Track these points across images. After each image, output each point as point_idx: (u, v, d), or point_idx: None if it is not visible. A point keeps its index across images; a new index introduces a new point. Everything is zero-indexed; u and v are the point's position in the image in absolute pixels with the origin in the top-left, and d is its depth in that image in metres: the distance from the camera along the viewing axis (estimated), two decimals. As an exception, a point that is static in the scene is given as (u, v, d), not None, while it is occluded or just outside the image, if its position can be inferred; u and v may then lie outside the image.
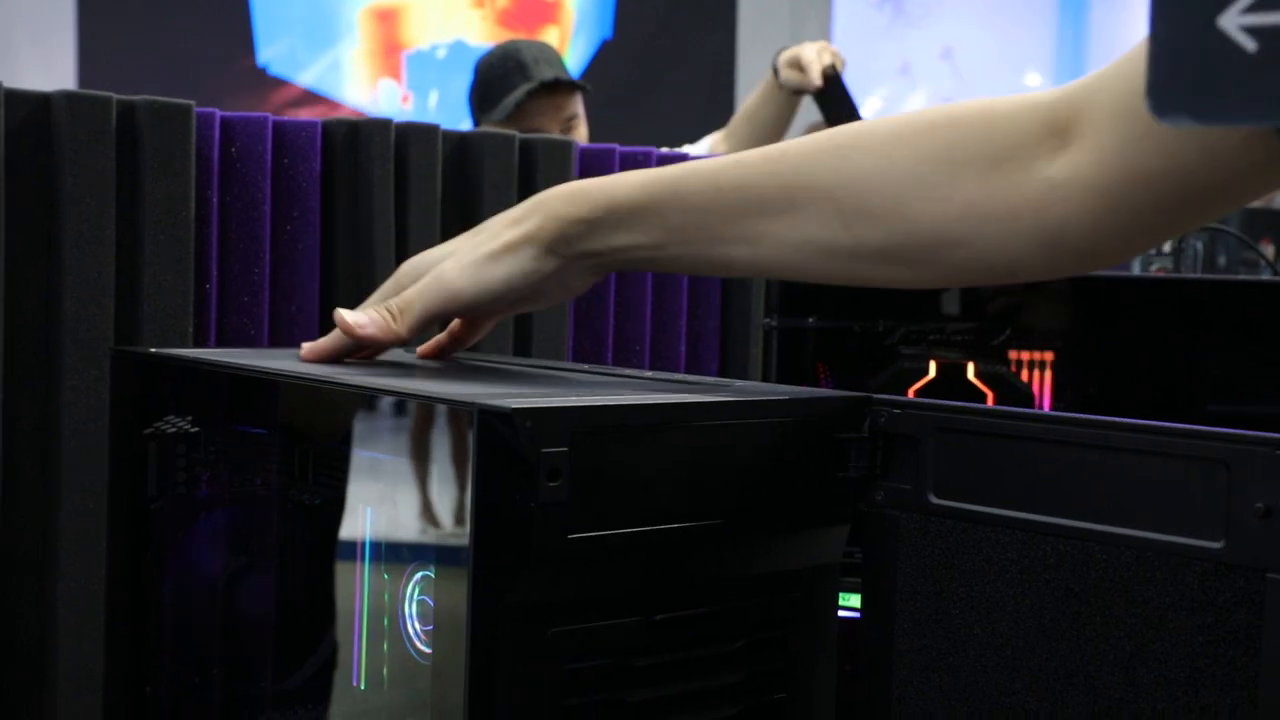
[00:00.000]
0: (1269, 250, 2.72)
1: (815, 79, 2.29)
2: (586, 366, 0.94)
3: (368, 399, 0.77)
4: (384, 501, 0.81)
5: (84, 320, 1.02)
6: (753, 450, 0.71)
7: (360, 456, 0.81)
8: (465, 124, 2.48)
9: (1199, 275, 1.28)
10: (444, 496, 0.73)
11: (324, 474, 0.84)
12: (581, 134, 2.43)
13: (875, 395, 0.75)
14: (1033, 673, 0.68)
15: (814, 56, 2.30)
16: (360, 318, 0.83)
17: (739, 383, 0.80)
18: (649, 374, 0.86)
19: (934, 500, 0.72)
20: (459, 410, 0.65)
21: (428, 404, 0.68)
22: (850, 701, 0.75)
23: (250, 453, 0.90)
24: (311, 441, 0.85)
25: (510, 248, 0.82)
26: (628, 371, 0.88)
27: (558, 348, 1.26)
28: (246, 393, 0.89)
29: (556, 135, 2.23)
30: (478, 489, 0.62)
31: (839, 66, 2.32)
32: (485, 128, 2.30)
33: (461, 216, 1.23)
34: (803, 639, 0.75)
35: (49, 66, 4.80)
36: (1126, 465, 0.65)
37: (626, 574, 0.67)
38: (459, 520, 0.72)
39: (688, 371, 1.39)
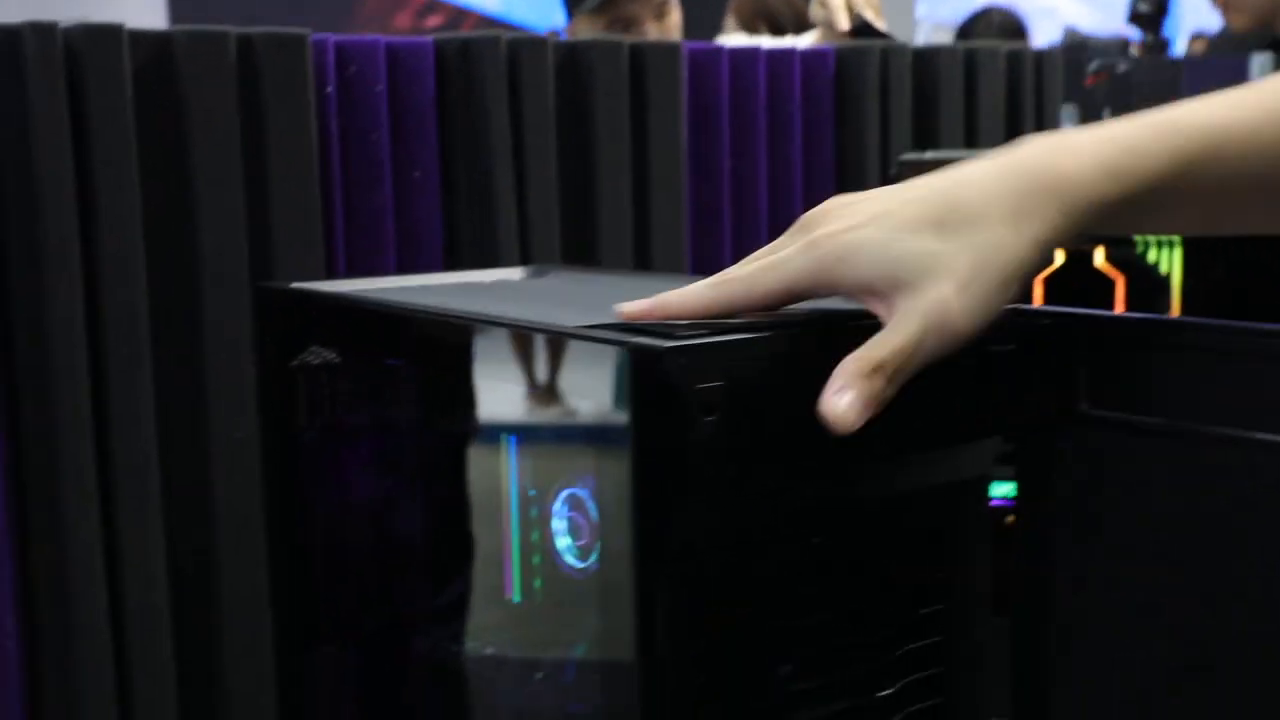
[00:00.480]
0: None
1: (841, 22, 2.10)
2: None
3: (513, 333, 0.78)
4: (528, 428, 0.82)
5: (220, 255, 1.04)
6: (902, 370, 0.70)
7: (503, 388, 0.82)
8: (558, 15, 2.45)
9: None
10: (591, 422, 0.74)
11: (465, 404, 0.86)
12: (675, 18, 2.39)
13: (1022, 306, 0.74)
14: (1198, 584, 0.68)
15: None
16: (844, 407, 0.63)
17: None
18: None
19: (1088, 410, 0.71)
20: (611, 346, 0.65)
21: (579, 339, 0.69)
22: (1008, 613, 0.75)
23: (393, 383, 0.91)
24: (453, 373, 0.86)
25: (1025, 263, 0.65)
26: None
27: (676, 260, 1.26)
28: (388, 326, 0.90)
29: (660, 38, 2.22)
30: (636, 426, 0.63)
31: (870, 13, 2.14)
32: (579, 18, 2.28)
33: (575, 127, 1.23)
34: (957, 552, 0.75)
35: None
36: (1292, 373, 0.64)
37: (782, 501, 0.68)
38: (607, 441, 0.72)
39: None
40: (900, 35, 2.19)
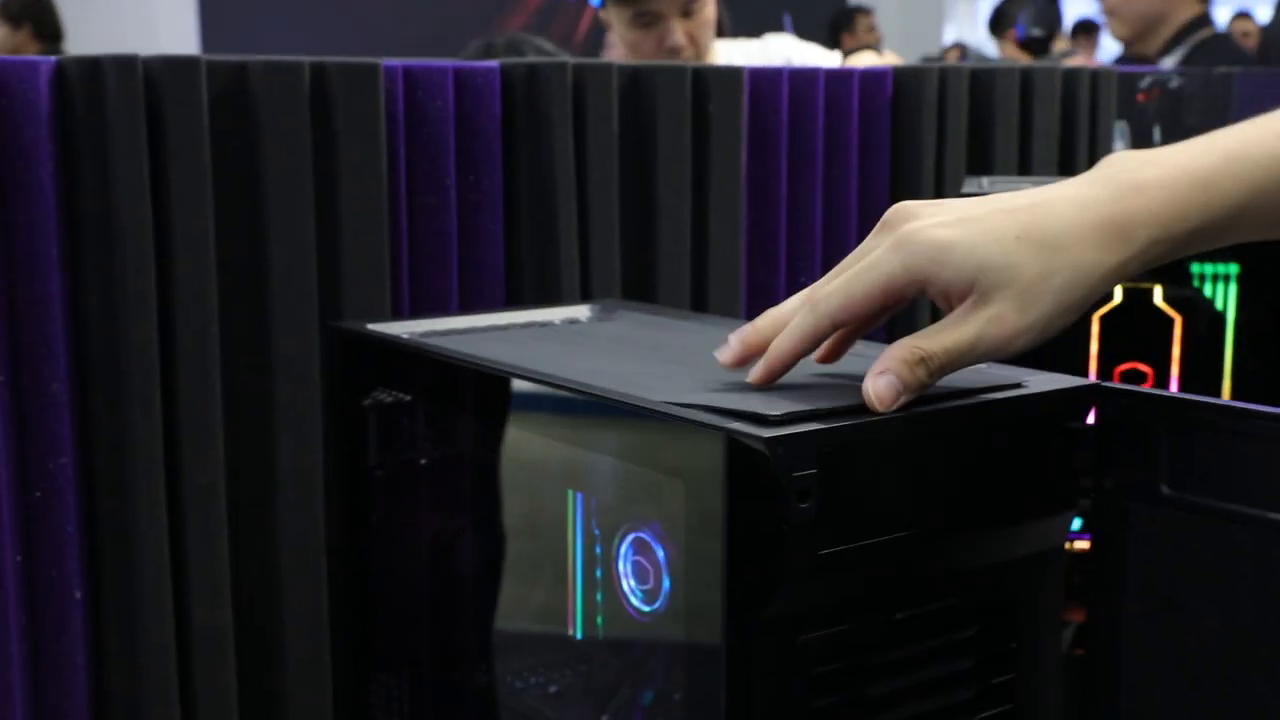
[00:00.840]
0: None
1: None
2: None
3: (592, 401, 0.78)
4: (597, 480, 0.83)
5: (289, 280, 1.05)
6: (985, 450, 0.71)
7: (579, 452, 0.83)
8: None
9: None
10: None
11: (536, 458, 0.87)
12: (709, 13, 2.37)
13: (1104, 384, 0.75)
14: (1270, 669, 0.69)
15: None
16: (883, 387, 0.66)
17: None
18: (861, 347, 0.87)
19: (1166, 491, 0.72)
20: (708, 431, 0.66)
21: (669, 419, 0.70)
22: (1079, 686, 0.76)
23: (463, 428, 0.93)
24: (524, 430, 0.87)
25: (1092, 293, 0.67)
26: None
27: (733, 286, 1.27)
28: (459, 376, 0.91)
29: (689, 34, 2.21)
30: (729, 510, 0.64)
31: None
32: (609, 5, 2.26)
33: (636, 153, 1.24)
34: (1030, 621, 0.76)
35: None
36: (1379, 472, 0.65)
37: (869, 579, 0.69)
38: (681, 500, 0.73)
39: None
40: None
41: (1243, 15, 6.12)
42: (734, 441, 0.63)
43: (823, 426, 0.65)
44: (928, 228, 0.66)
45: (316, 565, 1.09)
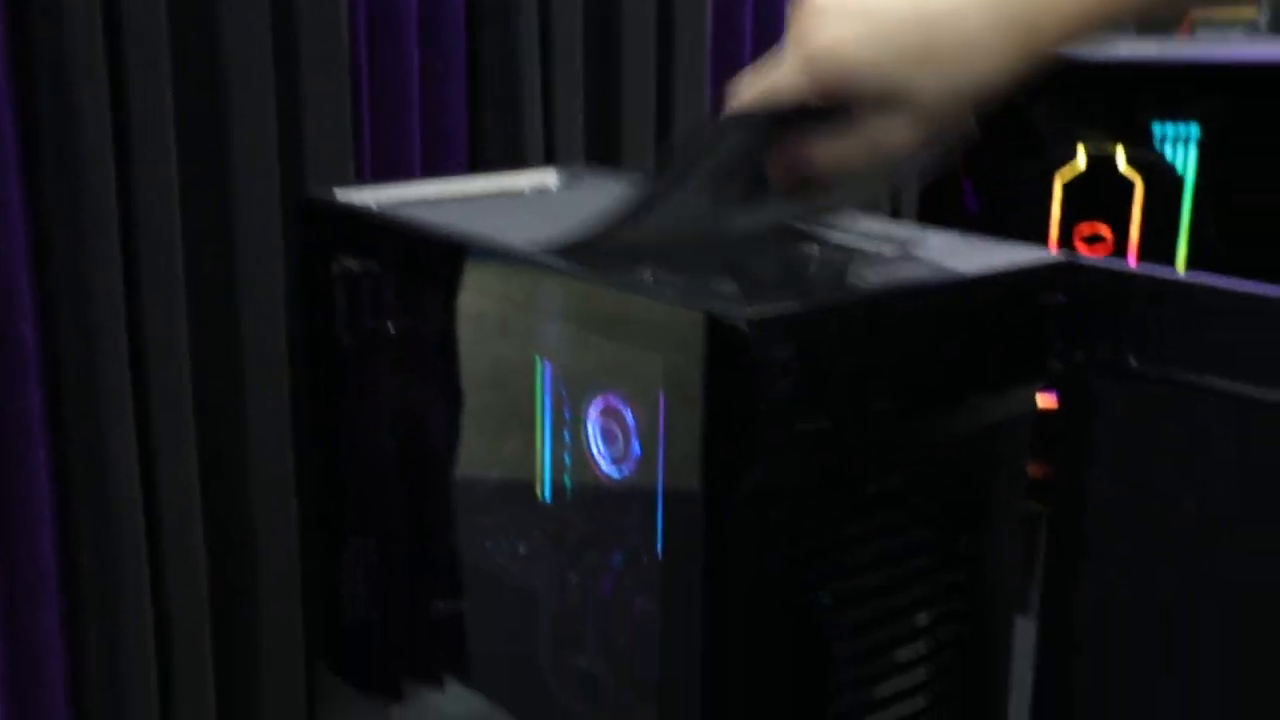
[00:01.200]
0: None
1: None
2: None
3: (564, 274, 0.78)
4: (567, 350, 0.83)
5: (252, 153, 1.03)
6: (960, 325, 0.72)
7: (549, 323, 0.83)
8: None
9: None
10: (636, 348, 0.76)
11: (504, 327, 0.87)
12: None
13: (1078, 260, 0.75)
14: (1246, 545, 0.70)
15: None
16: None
17: (932, 238, 0.81)
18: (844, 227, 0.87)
19: (1138, 367, 0.73)
20: (686, 312, 0.66)
21: (643, 300, 0.70)
22: (1045, 559, 0.78)
23: (432, 297, 0.92)
24: (495, 300, 0.86)
25: (992, 96, 0.68)
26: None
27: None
28: (429, 247, 0.90)
29: None
30: (707, 389, 0.65)
31: None
32: None
33: (600, 10, 1.21)
34: (995, 487, 0.78)
35: None
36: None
37: (842, 454, 0.70)
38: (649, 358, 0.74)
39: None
40: None
41: None
42: (714, 320, 0.64)
43: (800, 307, 0.65)
44: (831, 47, 0.67)
45: (282, 436, 1.09)
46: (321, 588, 1.00)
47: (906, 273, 0.72)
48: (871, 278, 0.72)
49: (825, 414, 0.67)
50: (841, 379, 0.68)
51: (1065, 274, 0.75)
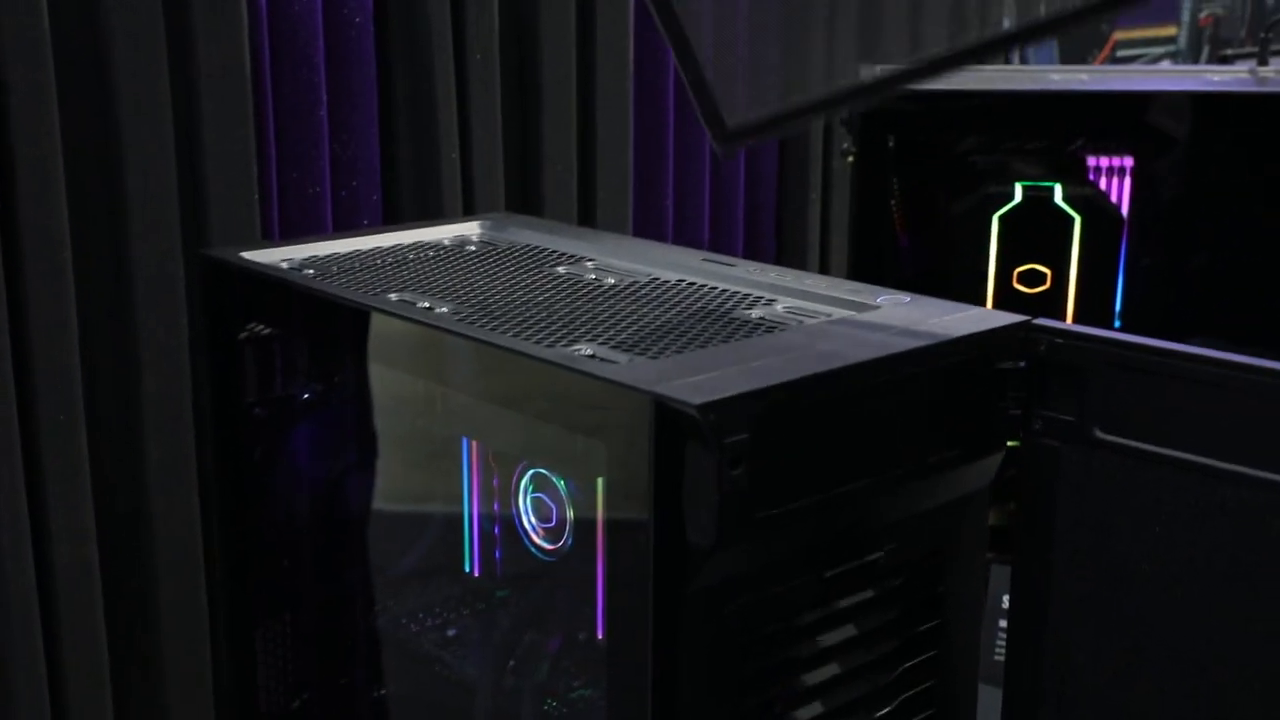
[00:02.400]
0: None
1: None
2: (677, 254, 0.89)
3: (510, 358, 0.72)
4: (497, 426, 0.78)
5: (146, 178, 0.96)
6: (918, 397, 0.68)
7: (476, 402, 0.77)
8: None
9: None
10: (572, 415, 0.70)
11: (429, 401, 0.81)
12: None
13: (1036, 321, 0.71)
14: (1203, 616, 0.67)
15: None
16: None
17: (885, 301, 0.76)
18: (774, 276, 0.82)
19: (1099, 435, 0.70)
20: (631, 394, 0.61)
21: (588, 377, 0.64)
22: (1007, 631, 0.74)
23: (348, 365, 0.86)
24: (418, 372, 0.80)
25: None
26: (739, 271, 0.83)
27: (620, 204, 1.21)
28: (343, 314, 0.84)
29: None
30: (657, 479, 0.60)
31: None
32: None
33: (519, 41, 1.16)
34: (957, 564, 0.74)
35: None
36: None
37: (800, 540, 0.66)
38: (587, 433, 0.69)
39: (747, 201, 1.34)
40: None
41: None
42: (662, 405, 0.59)
43: (754, 388, 0.60)
44: None
45: (188, 504, 1.02)
46: (233, 676, 0.93)
47: (859, 345, 0.68)
48: (824, 352, 0.67)
49: (783, 499, 0.63)
50: (796, 463, 0.63)
51: (1022, 336, 0.71)
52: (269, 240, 1.02)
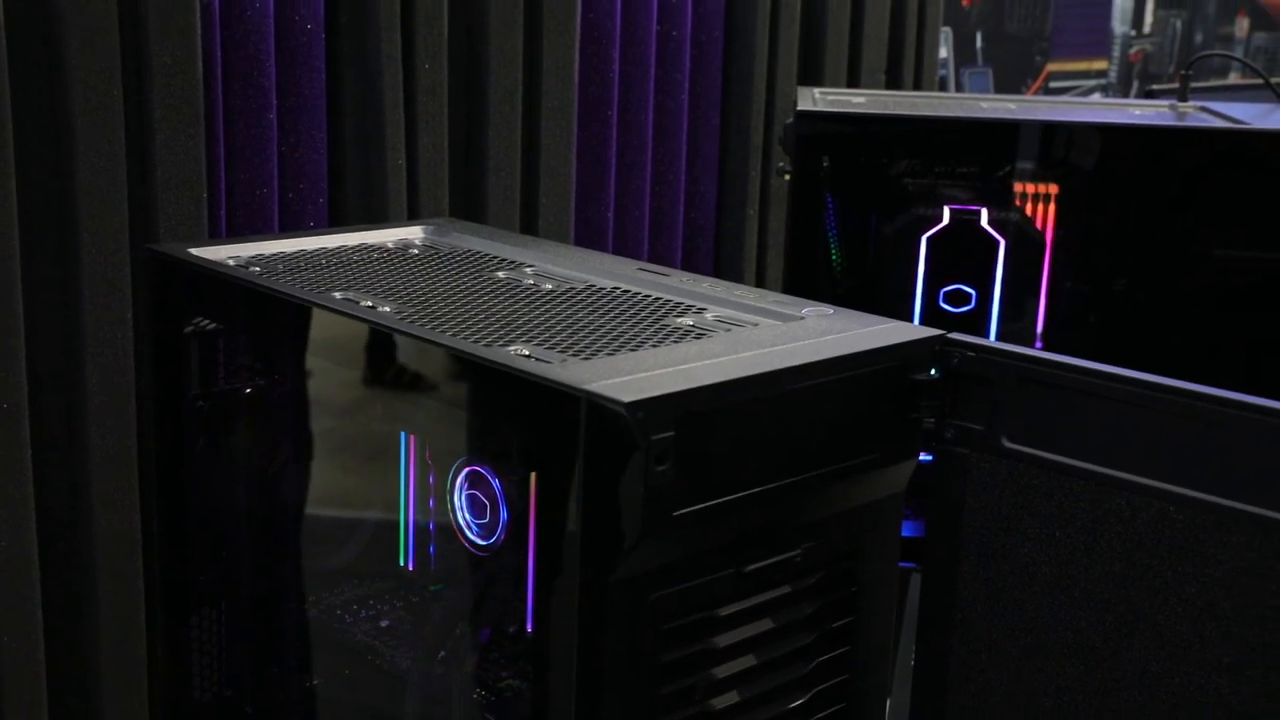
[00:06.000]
0: (1244, 24, 2.70)
1: None
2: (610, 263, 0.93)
3: (448, 355, 0.75)
4: (433, 421, 0.81)
5: (96, 178, 0.98)
6: (836, 403, 0.72)
7: (414, 397, 0.80)
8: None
9: (1202, 125, 1.27)
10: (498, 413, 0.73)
11: (366, 396, 0.84)
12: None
13: (950, 335, 0.75)
14: (1099, 614, 0.71)
15: None
16: None
17: (810, 312, 0.80)
18: (707, 287, 0.85)
19: (1007, 444, 0.74)
20: (563, 393, 0.64)
21: (521, 376, 0.67)
22: (919, 624, 0.78)
23: (289, 360, 0.88)
24: (357, 367, 0.83)
25: None
26: (673, 281, 0.87)
27: (561, 212, 1.24)
28: (286, 310, 0.86)
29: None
30: (585, 474, 0.63)
31: None
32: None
33: (467, 52, 1.19)
34: (871, 565, 0.78)
35: None
36: (1211, 434, 0.67)
37: (720, 535, 0.69)
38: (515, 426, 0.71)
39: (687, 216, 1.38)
40: None
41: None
42: (593, 402, 0.62)
43: (680, 389, 0.63)
44: None
45: (129, 495, 1.04)
46: (168, 665, 0.95)
47: (782, 353, 0.71)
48: (748, 358, 0.70)
49: (704, 495, 0.66)
50: (718, 461, 0.66)
51: (937, 349, 0.75)
52: (216, 238, 1.04)
